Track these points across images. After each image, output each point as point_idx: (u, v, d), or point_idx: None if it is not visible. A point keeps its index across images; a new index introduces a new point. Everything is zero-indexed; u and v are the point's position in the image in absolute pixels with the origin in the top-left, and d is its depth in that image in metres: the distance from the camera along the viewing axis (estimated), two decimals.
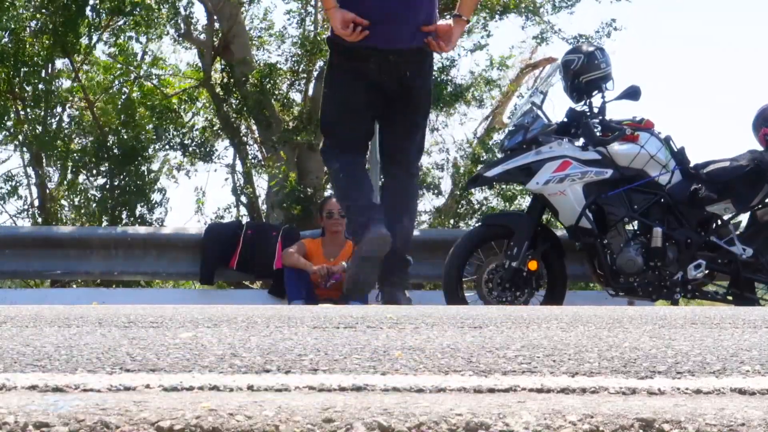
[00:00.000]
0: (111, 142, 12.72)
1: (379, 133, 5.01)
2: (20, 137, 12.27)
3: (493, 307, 4.36)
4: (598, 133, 6.04)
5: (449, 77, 12.37)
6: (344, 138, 4.74)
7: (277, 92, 12.44)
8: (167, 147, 13.22)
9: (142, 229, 8.05)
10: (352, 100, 4.68)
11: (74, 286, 10.25)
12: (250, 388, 1.90)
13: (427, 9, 4.67)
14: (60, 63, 12.67)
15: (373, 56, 4.61)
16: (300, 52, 12.71)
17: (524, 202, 13.33)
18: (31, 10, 11.81)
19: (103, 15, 11.94)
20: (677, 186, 6.06)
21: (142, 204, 12.44)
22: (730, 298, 6.06)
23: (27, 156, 13.12)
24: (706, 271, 6.01)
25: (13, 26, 11.22)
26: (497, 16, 12.74)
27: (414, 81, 4.68)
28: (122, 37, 12.69)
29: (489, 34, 13.34)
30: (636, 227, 6.12)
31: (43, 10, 11.67)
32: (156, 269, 7.50)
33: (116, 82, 13.31)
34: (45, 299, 7.05)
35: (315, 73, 13.06)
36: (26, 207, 13.29)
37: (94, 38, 12.56)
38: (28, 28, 11.85)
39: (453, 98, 12.15)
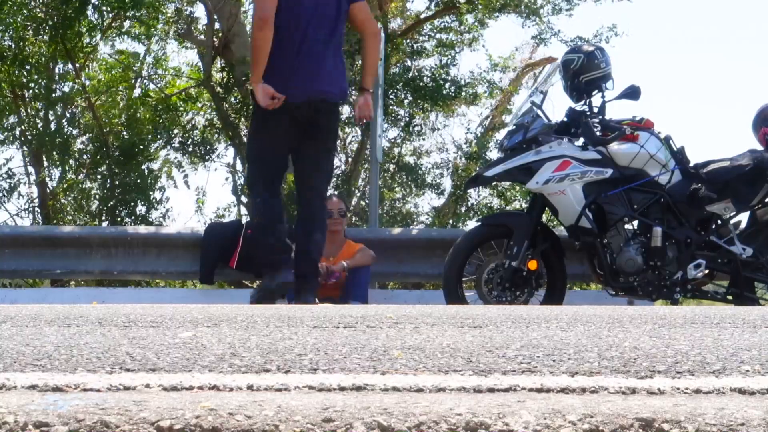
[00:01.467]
0: (111, 141, 12.72)
1: (293, 164, 5.69)
2: (21, 137, 12.26)
3: (493, 307, 4.36)
4: (597, 133, 6.04)
5: (449, 76, 12.36)
6: (265, 169, 5.53)
7: None
8: (167, 145, 13.22)
9: (141, 228, 8.05)
10: (273, 138, 5.45)
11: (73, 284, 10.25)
12: (250, 387, 1.90)
13: (337, 67, 5.46)
14: (62, 63, 12.66)
15: (287, 109, 5.37)
16: None
17: (524, 202, 13.33)
18: (31, 5, 11.79)
19: (105, 14, 11.92)
20: (677, 185, 6.06)
21: (142, 203, 12.43)
22: (730, 297, 6.06)
23: (27, 154, 13.12)
24: (706, 271, 6.01)
25: (12, 22, 11.19)
26: (496, 13, 12.73)
27: (322, 123, 5.45)
28: (127, 38, 12.69)
29: (484, 26, 13.34)
30: (636, 227, 6.12)
31: (43, 7, 11.66)
32: (156, 268, 7.49)
33: (118, 82, 13.30)
34: (45, 298, 7.05)
35: None
36: (26, 206, 13.29)
37: (97, 37, 12.55)
38: (28, 26, 11.83)
39: (452, 97, 12.14)
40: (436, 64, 12.72)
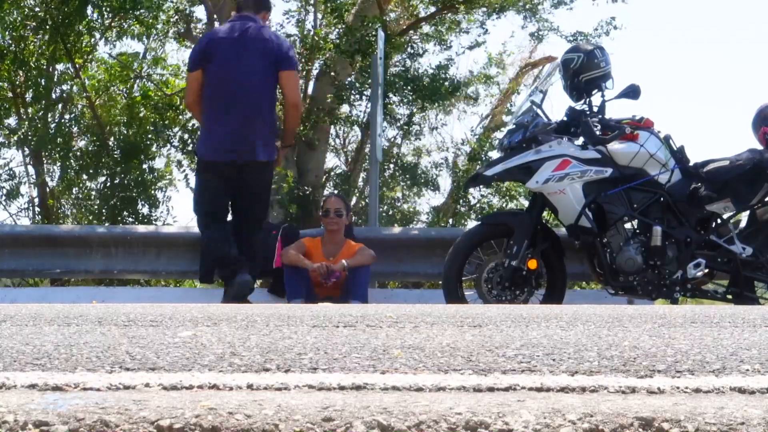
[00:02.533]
0: (112, 140, 12.71)
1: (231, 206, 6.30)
2: (22, 135, 12.25)
3: (493, 306, 4.36)
4: (597, 132, 6.04)
5: (446, 75, 12.34)
6: (207, 213, 6.17)
7: None
8: (168, 144, 13.20)
9: (141, 228, 8.05)
10: (210, 187, 6.12)
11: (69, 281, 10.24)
12: (250, 386, 1.90)
13: (263, 130, 6.01)
14: (62, 63, 12.64)
15: (220, 166, 6.06)
16: (298, 52, 12.74)
17: (525, 201, 13.33)
18: (31, 3, 11.79)
19: (106, 14, 11.91)
20: (677, 185, 6.05)
21: (143, 202, 12.42)
22: (729, 297, 6.06)
23: (27, 154, 13.11)
24: (706, 270, 6.01)
25: (13, 21, 11.18)
26: (495, 14, 12.73)
27: (251, 181, 6.05)
28: (125, 38, 12.67)
29: (486, 32, 13.36)
30: (635, 226, 6.12)
31: (43, 6, 11.65)
32: (155, 268, 7.49)
33: (117, 82, 13.29)
34: (45, 298, 7.05)
35: (314, 72, 13.07)
36: (26, 206, 13.29)
37: (97, 36, 12.54)
38: (28, 26, 11.83)
39: (449, 94, 12.11)
40: (434, 64, 12.72)
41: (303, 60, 12.73)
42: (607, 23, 12.49)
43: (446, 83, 11.92)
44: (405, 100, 12.19)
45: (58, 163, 12.78)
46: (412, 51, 12.61)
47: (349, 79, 11.75)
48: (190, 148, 12.92)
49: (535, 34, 13.04)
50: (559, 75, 6.33)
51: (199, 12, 14.28)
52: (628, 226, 6.10)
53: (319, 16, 12.52)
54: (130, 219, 12.28)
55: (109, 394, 1.80)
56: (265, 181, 6.18)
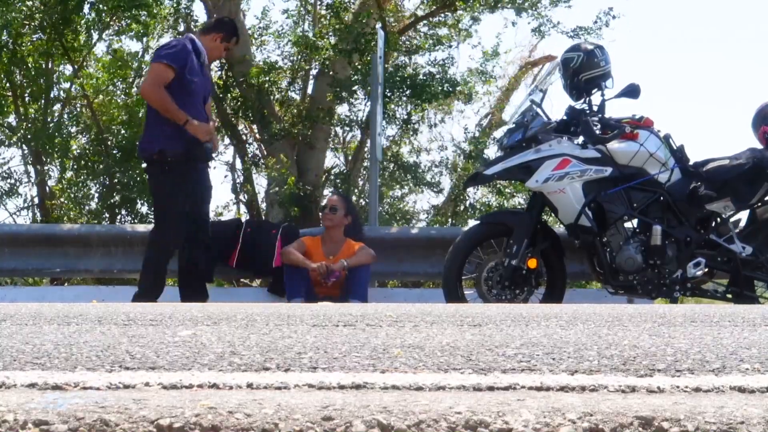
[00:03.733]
0: (110, 139, 12.70)
1: None
2: (21, 134, 12.24)
3: (493, 306, 4.36)
4: (597, 131, 6.04)
5: (445, 74, 12.34)
6: None
7: (275, 91, 12.44)
8: None
9: (141, 227, 8.04)
10: None
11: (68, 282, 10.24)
12: (250, 386, 1.90)
13: (151, 127, 6.07)
14: (61, 62, 12.64)
15: None
16: (297, 51, 12.75)
17: (524, 201, 13.33)
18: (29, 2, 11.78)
19: (104, 14, 11.90)
20: (677, 184, 6.05)
21: (142, 202, 12.42)
22: (729, 296, 6.06)
23: (27, 153, 13.11)
24: (706, 269, 6.01)
25: (10, 19, 11.15)
26: (488, 10, 12.72)
27: (148, 176, 6.32)
28: (122, 37, 12.65)
29: (477, 21, 13.36)
30: (635, 225, 6.12)
31: (41, 6, 11.64)
32: None
33: (116, 81, 13.29)
34: (44, 297, 7.04)
35: (314, 71, 13.07)
36: (26, 205, 13.29)
37: (95, 36, 12.53)
38: (26, 25, 11.81)
39: (445, 94, 12.10)
40: (432, 62, 12.71)
41: (302, 59, 12.73)
42: (605, 13, 12.48)
43: (444, 83, 11.91)
44: (403, 99, 12.18)
45: (57, 161, 12.77)
46: (408, 49, 12.61)
47: (351, 76, 11.75)
48: None
49: (537, 30, 13.02)
50: (559, 74, 6.33)
51: (199, 11, 14.26)
52: (627, 225, 6.10)
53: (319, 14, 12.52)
54: (130, 218, 12.28)
55: (109, 393, 1.80)
56: (153, 182, 6.21)
